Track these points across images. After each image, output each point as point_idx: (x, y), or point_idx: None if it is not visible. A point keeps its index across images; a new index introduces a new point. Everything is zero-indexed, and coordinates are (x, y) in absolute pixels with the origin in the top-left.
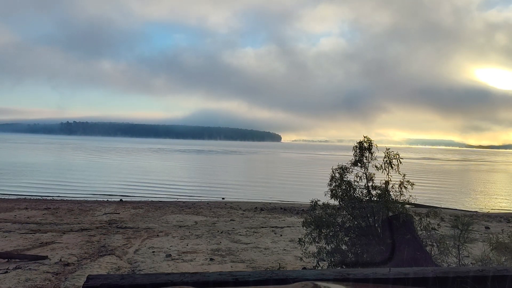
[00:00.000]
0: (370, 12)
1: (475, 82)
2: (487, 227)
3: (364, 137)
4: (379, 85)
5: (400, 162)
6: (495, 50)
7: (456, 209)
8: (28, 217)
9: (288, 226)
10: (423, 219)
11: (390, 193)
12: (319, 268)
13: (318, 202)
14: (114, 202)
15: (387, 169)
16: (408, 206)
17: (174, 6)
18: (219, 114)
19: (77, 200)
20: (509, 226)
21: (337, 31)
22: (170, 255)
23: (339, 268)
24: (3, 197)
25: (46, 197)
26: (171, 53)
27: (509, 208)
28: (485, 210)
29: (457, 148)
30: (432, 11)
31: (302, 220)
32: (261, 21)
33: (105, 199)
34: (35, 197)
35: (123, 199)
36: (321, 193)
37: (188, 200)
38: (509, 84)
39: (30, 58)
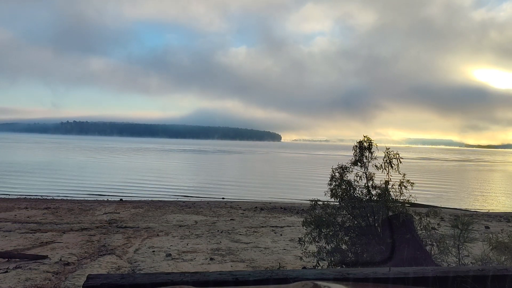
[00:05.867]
0: (366, 10)
1: (473, 81)
2: (487, 227)
3: (364, 136)
4: (378, 84)
5: (400, 162)
6: (492, 49)
7: (456, 209)
8: (28, 217)
9: (288, 226)
10: (423, 218)
11: (390, 192)
12: (319, 267)
13: (318, 201)
14: (114, 201)
15: (387, 168)
16: (408, 205)
17: (172, 5)
18: (217, 114)
19: (77, 200)
20: (509, 225)
21: (334, 29)
22: (170, 254)
23: (339, 267)
24: (3, 197)
25: (46, 197)
26: (168, 52)
27: (509, 208)
28: (485, 210)
29: (457, 147)
30: (427, 8)
31: (302, 219)
32: (255, 20)
33: (105, 199)
34: (35, 197)
35: (123, 199)
36: (321, 193)
37: (188, 200)
38: (507, 84)
39: (26, 57)
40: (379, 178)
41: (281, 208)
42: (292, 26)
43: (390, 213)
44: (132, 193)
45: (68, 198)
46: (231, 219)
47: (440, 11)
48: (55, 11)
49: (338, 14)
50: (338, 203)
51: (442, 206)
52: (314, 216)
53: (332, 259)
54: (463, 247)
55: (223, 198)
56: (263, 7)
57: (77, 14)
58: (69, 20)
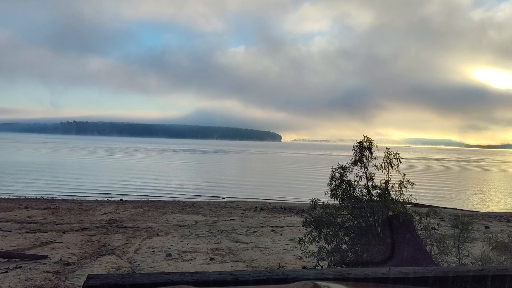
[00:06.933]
0: (364, 9)
1: (472, 81)
2: (487, 227)
3: (364, 136)
4: (377, 84)
5: (400, 162)
6: (491, 49)
7: (456, 209)
8: (28, 217)
9: (288, 226)
10: (423, 218)
11: (390, 192)
12: (319, 267)
13: (318, 201)
14: (114, 201)
15: (387, 168)
16: (408, 205)
17: (170, 5)
18: (217, 113)
19: (77, 200)
20: (509, 225)
21: (333, 29)
22: (170, 254)
23: (339, 267)
24: (3, 197)
25: (46, 197)
26: (166, 52)
27: (509, 208)
28: (485, 210)
29: (456, 147)
30: (426, 7)
31: (302, 219)
32: (253, 20)
33: (105, 199)
34: (35, 197)
35: (123, 199)
36: (321, 193)
37: (188, 200)
38: (506, 84)
39: (25, 57)
40: (379, 178)
41: (281, 208)
42: (290, 26)
43: (390, 213)
44: (132, 193)
45: (68, 198)
46: (231, 219)
47: (438, 10)
48: (53, 10)
49: (336, 13)
50: (338, 203)
51: (442, 206)
52: (314, 216)
53: (332, 259)
54: (463, 247)
55: (223, 198)
56: (261, 6)
57: (75, 14)
58: (67, 20)
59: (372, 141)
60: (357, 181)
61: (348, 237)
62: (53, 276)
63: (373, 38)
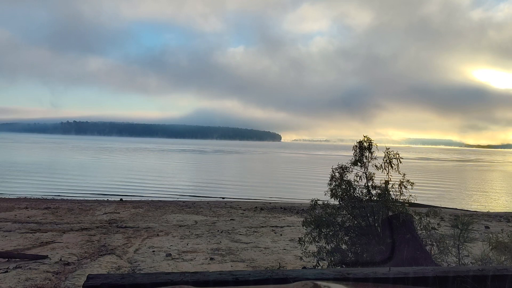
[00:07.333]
0: (363, 9)
1: (472, 81)
2: (486, 227)
3: (364, 136)
4: (377, 84)
5: (400, 162)
6: (491, 49)
7: (455, 209)
8: (28, 217)
9: (288, 226)
10: (423, 218)
11: (390, 192)
12: (319, 267)
13: (318, 201)
14: (114, 201)
15: (387, 168)
16: (408, 205)
17: (170, 5)
18: (217, 113)
19: (77, 200)
20: (509, 225)
21: (332, 29)
22: (170, 254)
23: (339, 267)
24: (3, 197)
25: (46, 197)
26: (166, 52)
27: (509, 208)
28: (485, 210)
29: (456, 147)
30: (425, 7)
31: (302, 219)
32: (253, 20)
33: (105, 199)
34: (35, 197)
35: (123, 199)
36: (321, 193)
37: (188, 200)
38: (506, 84)
39: (24, 57)
40: (379, 178)
41: (281, 208)
42: (289, 26)
43: (390, 213)
44: (132, 193)
45: (68, 198)
46: (231, 219)
47: (438, 10)
48: (53, 10)
49: (335, 13)
50: (338, 203)
51: (442, 206)
52: (314, 216)
53: (332, 259)
54: (463, 247)
55: (223, 198)
56: (260, 6)
57: (75, 14)
58: (67, 20)
59: (372, 141)
60: (357, 181)
61: (348, 237)
62: (53, 276)
63: (373, 38)
